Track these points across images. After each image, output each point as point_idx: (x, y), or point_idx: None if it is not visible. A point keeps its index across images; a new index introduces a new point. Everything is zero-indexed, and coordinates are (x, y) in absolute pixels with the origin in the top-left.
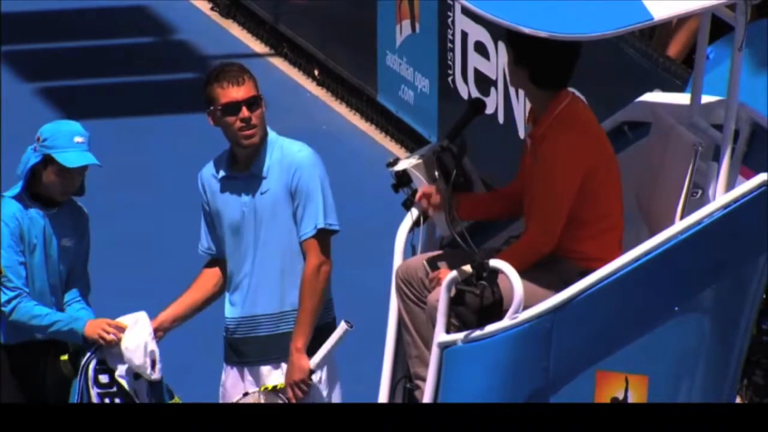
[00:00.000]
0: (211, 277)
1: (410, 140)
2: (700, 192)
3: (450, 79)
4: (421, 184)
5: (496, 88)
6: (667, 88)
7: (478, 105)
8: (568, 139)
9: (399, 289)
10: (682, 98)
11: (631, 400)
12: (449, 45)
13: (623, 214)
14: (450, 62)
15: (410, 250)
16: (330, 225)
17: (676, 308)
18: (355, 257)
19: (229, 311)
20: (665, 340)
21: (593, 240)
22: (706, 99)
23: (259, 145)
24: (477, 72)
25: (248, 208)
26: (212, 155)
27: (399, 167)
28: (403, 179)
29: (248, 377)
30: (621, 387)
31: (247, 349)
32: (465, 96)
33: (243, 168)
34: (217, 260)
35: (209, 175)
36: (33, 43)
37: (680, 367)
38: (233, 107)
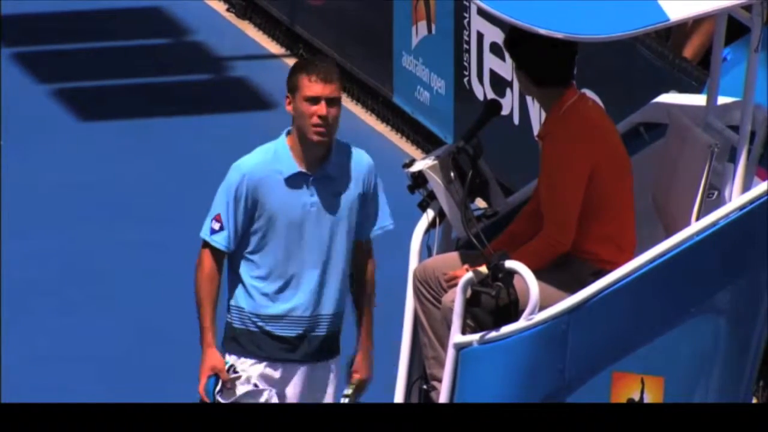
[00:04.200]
0: (218, 277)
1: (426, 141)
2: (716, 193)
3: (466, 80)
4: (437, 186)
5: (512, 89)
6: (683, 89)
7: (494, 106)
8: (571, 138)
9: (416, 290)
10: (699, 99)
11: (647, 401)
12: (465, 46)
13: (635, 214)
14: (466, 63)
15: (426, 251)
16: (392, 224)
17: (692, 309)
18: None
19: (275, 308)
20: (681, 342)
21: (606, 239)
22: (722, 100)
23: (330, 146)
24: (492, 73)
25: (317, 207)
26: (229, 156)
27: (415, 168)
28: (418, 180)
29: (300, 374)
30: (637, 388)
31: (305, 346)
32: (481, 97)
33: (313, 167)
34: (223, 254)
35: (264, 170)
36: (47, 45)
37: (696, 368)
38: (314, 101)
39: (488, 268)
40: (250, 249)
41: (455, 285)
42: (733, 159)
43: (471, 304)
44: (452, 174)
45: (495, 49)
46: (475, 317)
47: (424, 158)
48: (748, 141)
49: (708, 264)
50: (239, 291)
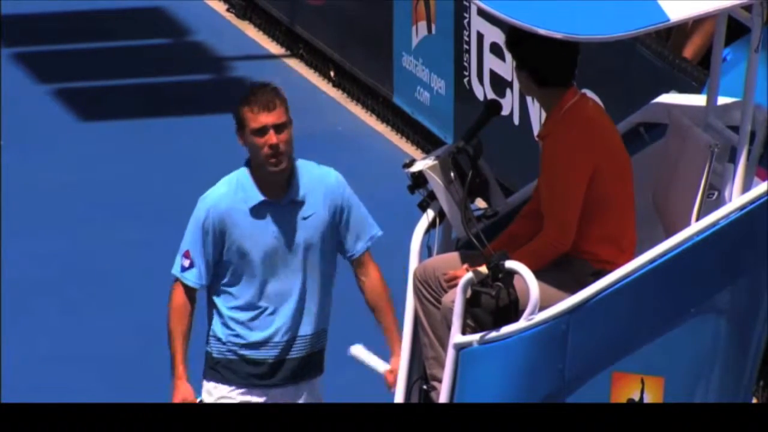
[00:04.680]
0: (190, 311)
1: (426, 141)
2: (716, 193)
3: (466, 80)
4: (437, 186)
5: (512, 90)
6: (683, 89)
7: (494, 106)
8: (571, 139)
9: (416, 290)
10: (699, 99)
11: (647, 401)
12: (465, 46)
13: (635, 214)
14: (466, 63)
15: (426, 251)
16: (378, 232)
17: (692, 309)
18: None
19: (253, 336)
20: (681, 342)
21: (606, 240)
22: (722, 100)
23: (290, 170)
24: (492, 73)
25: (288, 233)
26: (229, 156)
27: (415, 168)
28: (419, 180)
29: (282, 396)
30: (637, 388)
31: (285, 369)
32: (481, 97)
33: (277, 194)
34: (194, 290)
35: (228, 205)
36: (47, 45)
37: (696, 368)
38: (262, 132)
39: (488, 268)
40: (224, 280)
41: (455, 285)
42: (733, 159)
43: (471, 304)
44: (452, 174)
45: (495, 49)
46: (475, 317)
47: (424, 158)
48: (748, 141)
49: (708, 264)
50: (216, 321)
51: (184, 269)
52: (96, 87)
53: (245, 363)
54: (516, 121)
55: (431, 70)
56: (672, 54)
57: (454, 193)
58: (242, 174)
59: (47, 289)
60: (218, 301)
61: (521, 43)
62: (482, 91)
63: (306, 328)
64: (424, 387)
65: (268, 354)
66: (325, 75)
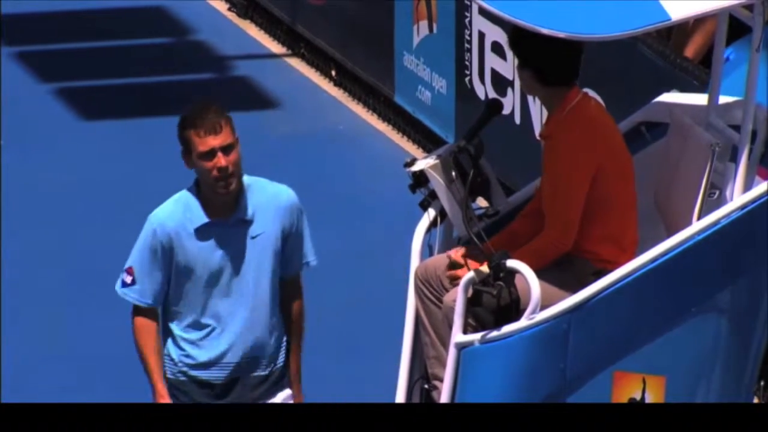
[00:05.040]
0: (155, 327)
1: (427, 141)
2: (717, 192)
3: (467, 79)
4: (438, 185)
5: (513, 89)
6: (684, 88)
7: (495, 106)
8: (574, 139)
9: (417, 289)
10: (700, 99)
11: (648, 400)
12: (466, 45)
13: (637, 214)
14: (467, 63)
15: (427, 250)
16: (314, 260)
17: (693, 309)
18: (372, 257)
19: (202, 355)
20: (682, 341)
21: (607, 240)
22: (723, 99)
23: (238, 190)
24: (494, 72)
25: (236, 253)
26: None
27: (416, 168)
28: (420, 180)
29: None
30: (638, 387)
31: (238, 390)
32: (482, 96)
33: (224, 213)
34: (150, 309)
35: (175, 225)
36: (49, 44)
37: (697, 367)
38: (209, 155)
39: (490, 267)
40: (173, 300)
41: (456, 284)
42: (735, 158)
43: (472, 303)
44: (453, 173)
45: (496, 48)
46: (476, 316)
47: (425, 157)
48: (749, 140)
49: (709, 263)
50: (169, 342)
51: (124, 285)
52: (97, 86)
53: (194, 384)
54: (517, 120)
55: (432, 70)
56: (673, 53)
57: (455, 192)
58: (189, 194)
59: (47, 288)
60: (169, 320)
61: (524, 42)
62: (483, 90)
63: (259, 348)
64: (426, 386)
65: (218, 374)
66: (326, 74)
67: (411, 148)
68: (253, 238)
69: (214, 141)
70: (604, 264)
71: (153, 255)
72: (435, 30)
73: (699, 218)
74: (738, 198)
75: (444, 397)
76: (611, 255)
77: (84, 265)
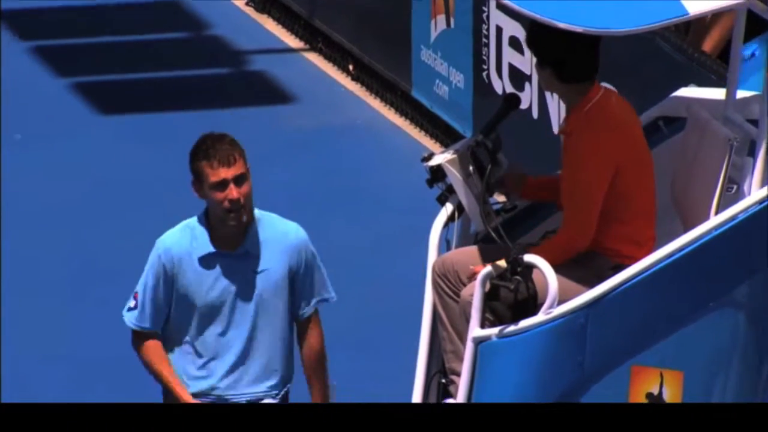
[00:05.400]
0: (160, 345)
1: (445, 135)
2: (735, 187)
3: (485, 74)
4: (456, 179)
5: (531, 83)
6: (702, 83)
7: (513, 100)
8: (595, 137)
9: (435, 284)
10: (718, 93)
11: (666, 395)
12: (484, 40)
13: (656, 211)
14: (485, 57)
15: (445, 244)
16: (333, 296)
17: (711, 304)
18: (389, 251)
19: (194, 386)
20: (700, 336)
21: (626, 237)
22: (741, 94)
23: (248, 223)
24: (511, 67)
25: (239, 286)
26: (247, 150)
27: (433, 162)
28: (437, 174)
29: None
30: (656, 382)
31: None
32: (500, 91)
33: (231, 245)
34: (150, 332)
35: (180, 252)
36: (66, 39)
37: (715, 362)
38: (222, 186)
39: (507, 261)
40: (172, 326)
41: (474, 280)
42: (753, 153)
43: (490, 297)
44: (471, 168)
45: (514, 43)
46: (494, 311)
47: (442, 152)
48: (767, 135)
49: (727, 258)
50: None
51: (129, 309)
52: (114, 81)
53: None
54: (535, 114)
55: (450, 64)
56: (691, 48)
57: (472, 187)
58: (199, 221)
59: (47, 288)
60: (167, 347)
61: (541, 39)
62: (501, 84)
63: (254, 384)
64: (443, 381)
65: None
66: (344, 69)
67: (428, 143)
68: (257, 272)
69: (226, 173)
70: (622, 259)
71: (156, 280)
72: (452, 24)
73: (716, 213)
74: (756, 192)
75: (461, 392)
76: (629, 251)
77: (87, 263)
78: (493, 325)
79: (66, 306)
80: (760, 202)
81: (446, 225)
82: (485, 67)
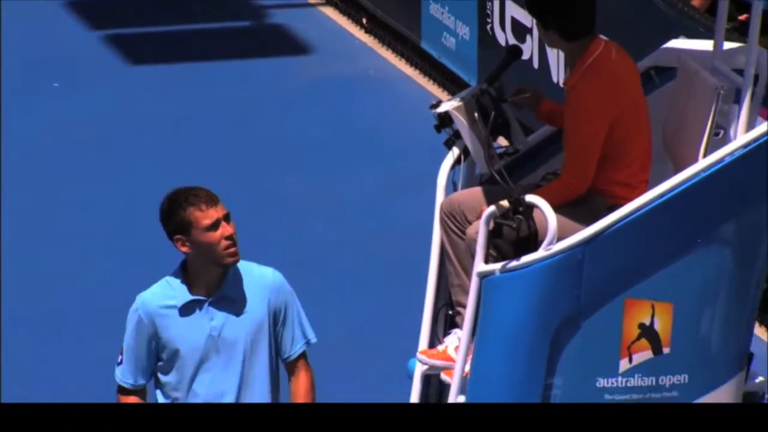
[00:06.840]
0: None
1: (452, 84)
2: (722, 132)
3: (489, 27)
4: (462, 125)
5: (532, 36)
6: (691, 35)
7: (515, 51)
8: (595, 88)
9: (443, 222)
10: (706, 44)
11: (657, 326)
12: None
13: (651, 156)
14: (489, 11)
15: (452, 186)
16: (313, 338)
17: (699, 240)
18: (400, 192)
19: None
20: (689, 271)
21: (621, 181)
22: (727, 45)
23: (224, 271)
24: (514, 20)
25: (220, 330)
26: (267, 99)
27: (441, 109)
28: (445, 120)
29: None
30: (648, 313)
31: None
32: (503, 43)
33: (207, 291)
34: (133, 390)
35: (157, 306)
36: None
37: (703, 294)
38: (215, 226)
39: (510, 202)
40: (161, 377)
41: (479, 216)
42: (738, 100)
43: (493, 235)
44: (476, 114)
45: None
46: (497, 247)
47: (449, 100)
48: (752, 83)
49: (714, 198)
50: None
51: (117, 364)
52: (140, 33)
53: None
54: (535, 65)
55: (456, 18)
56: (681, 2)
57: (477, 132)
58: (175, 273)
59: (47, 288)
60: (158, 395)
61: (540, 4)
62: (504, 37)
63: None
64: (450, 312)
65: None
66: (357, 22)
67: (436, 91)
68: (237, 316)
69: (216, 212)
70: (616, 200)
71: (137, 335)
72: None
73: (705, 156)
74: (741, 137)
75: (467, 323)
76: (623, 193)
77: (117, 211)
78: (496, 260)
79: (57, 308)
80: (745, 145)
81: (453, 168)
82: (489, 20)
